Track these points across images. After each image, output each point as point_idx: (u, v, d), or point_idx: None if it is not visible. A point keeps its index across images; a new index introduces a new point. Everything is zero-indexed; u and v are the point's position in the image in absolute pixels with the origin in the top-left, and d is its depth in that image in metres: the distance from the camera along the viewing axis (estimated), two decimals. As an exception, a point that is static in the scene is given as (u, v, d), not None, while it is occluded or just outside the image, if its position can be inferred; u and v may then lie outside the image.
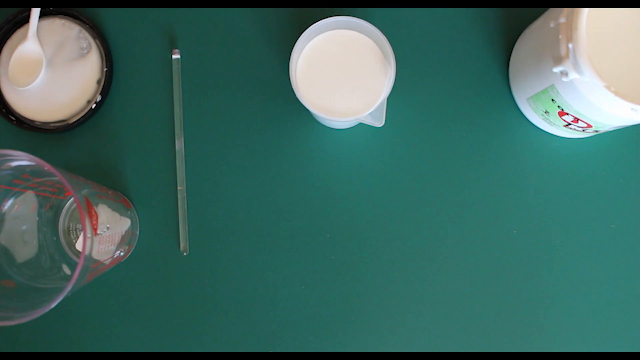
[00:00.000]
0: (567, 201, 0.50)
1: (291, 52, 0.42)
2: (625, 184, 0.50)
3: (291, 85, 0.47)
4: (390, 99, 0.50)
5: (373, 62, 0.43)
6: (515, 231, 0.50)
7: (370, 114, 0.43)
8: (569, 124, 0.44)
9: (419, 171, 0.50)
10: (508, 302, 0.49)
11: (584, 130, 0.44)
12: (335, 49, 0.43)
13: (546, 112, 0.45)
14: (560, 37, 0.38)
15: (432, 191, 0.50)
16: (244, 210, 0.50)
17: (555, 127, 0.47)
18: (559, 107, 0.43)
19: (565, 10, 0.39)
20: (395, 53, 0.41)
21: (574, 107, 0.41)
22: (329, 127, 0.50)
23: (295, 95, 0.49)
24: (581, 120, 0.42)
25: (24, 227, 0.45)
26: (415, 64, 0.51)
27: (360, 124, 0.50)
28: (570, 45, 0.37)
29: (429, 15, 0.51)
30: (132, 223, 0.48)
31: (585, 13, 0.37)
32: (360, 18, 0.42)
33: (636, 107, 0.37)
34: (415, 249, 0.50)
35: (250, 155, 0.50)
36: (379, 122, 0.44)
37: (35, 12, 0.48)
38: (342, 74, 0.43)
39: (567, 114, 0.42)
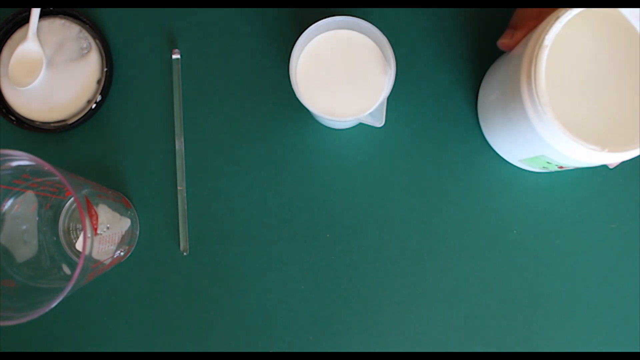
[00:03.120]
0: (567, 201, 0.50)
1: (291, 52, 0.42)
2: (625, 184, 0.50)
3: (291, 85, 0.47)
4: (390, 99, 0.49)
5: (373, 62, 0.43)
6: (515, 231, 0.50)
7: (370, 114, 0.43)
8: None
9: (419, 171, 0.50)
10: (508, 302, 0.49)
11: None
12: (335, 49, 0.43)
13: None
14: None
15: (432, 191, 0.50)
16: (244, 210, 0.50)
17: None
18: None
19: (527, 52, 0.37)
20: (395, 53, 0.41)
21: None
22: (329, 127, 0.50)
23: (295, 95, 0.49)
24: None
25: (24, 227, 0.45)
26: (415, 64, 0.51)
27: (360, 124, 0.50)
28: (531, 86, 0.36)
29: (429, 15, 0.51)
30: (132, 223, 0.48)
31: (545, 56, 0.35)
32: (360, 18, 0.41)
33: (595, 148, 0.35)
34: (415, 249, 0.50)
35: (250, 155, 0.50)
36: (379, 122, 0.44)
37: (35, 12, 0.48)
38: (342, 74, 0.43)
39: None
